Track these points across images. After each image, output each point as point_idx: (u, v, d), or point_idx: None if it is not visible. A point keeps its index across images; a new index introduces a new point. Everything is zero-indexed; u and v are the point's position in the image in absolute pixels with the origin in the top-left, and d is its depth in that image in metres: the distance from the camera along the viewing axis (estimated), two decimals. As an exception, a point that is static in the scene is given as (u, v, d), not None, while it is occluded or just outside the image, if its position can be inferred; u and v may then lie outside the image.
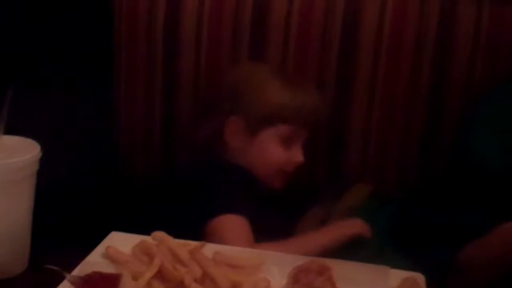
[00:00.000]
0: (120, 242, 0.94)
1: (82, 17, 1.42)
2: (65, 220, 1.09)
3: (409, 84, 1.44)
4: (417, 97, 1.44)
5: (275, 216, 1.31)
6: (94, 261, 0.91)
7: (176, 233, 0.93)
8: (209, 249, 0.93)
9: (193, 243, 0.93)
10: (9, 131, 0.92)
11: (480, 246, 1.17)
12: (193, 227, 1.13)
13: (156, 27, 1.48)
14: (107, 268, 0.89)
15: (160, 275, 0.87)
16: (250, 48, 1.46)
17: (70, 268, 0.87)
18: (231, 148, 1.34)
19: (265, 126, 1.31)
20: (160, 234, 0.93)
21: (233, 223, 1.18)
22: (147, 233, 0.94)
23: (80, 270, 0.88)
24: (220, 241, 1.05)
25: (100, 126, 1.51)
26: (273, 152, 1.30)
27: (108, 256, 0.92)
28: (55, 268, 0.84)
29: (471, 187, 1.24)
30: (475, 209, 1.21)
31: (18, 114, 0.92)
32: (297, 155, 1.31)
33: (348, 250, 1.20)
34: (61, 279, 0.85)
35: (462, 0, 1.39)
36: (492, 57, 1.40)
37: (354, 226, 1.26)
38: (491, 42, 1.39)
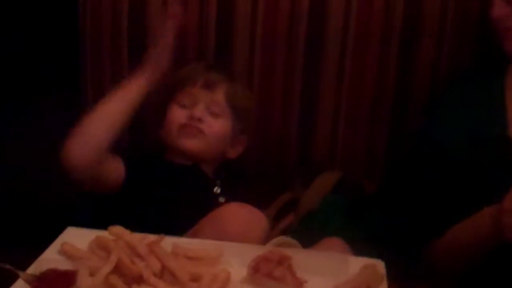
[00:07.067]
0: (76, 238, 0.93)
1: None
2: (18, 216, 1.06)
3: (376, 71, 1.44)
4: (384, 84, 1.44)
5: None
6: (50, 258, 0.90)
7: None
8: (168, 242, 0.92)
9: (151, 237, 0.92)
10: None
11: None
12: None
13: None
14: (63, 265, 0.87)
15: (117, 270, 0.86)
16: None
17: (24, 266, 0.85)
18: None
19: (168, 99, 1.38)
20: (116, 229, 0.92)
21: None
22: (105, 227, 0.93)
23: (35, 268, 0.86)
24: None
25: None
26: (172, 112, 1.37)
27: (64, 252, 0.91)
28: (8, 266, 0.83)
29: (434, 176, 1.21)
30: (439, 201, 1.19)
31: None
32: (194, 110, 1.34)
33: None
34: (15, 278, 0.83)
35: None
36: (457, 46, 1.40)
37: None
38: (456, 31, 1.39)
